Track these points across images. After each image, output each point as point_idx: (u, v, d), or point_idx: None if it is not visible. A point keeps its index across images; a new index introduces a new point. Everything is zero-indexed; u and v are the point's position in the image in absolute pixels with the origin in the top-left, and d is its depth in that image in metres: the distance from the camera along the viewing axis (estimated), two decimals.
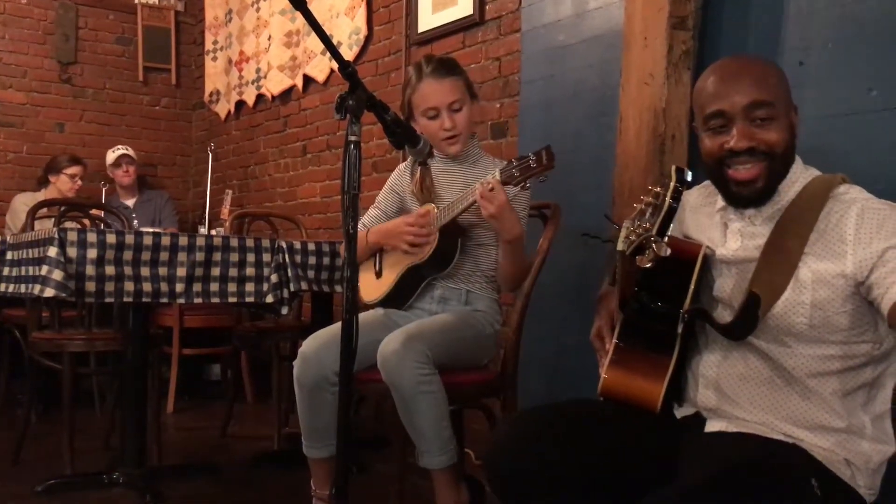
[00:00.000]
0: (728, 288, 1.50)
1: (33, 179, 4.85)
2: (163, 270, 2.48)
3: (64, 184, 4.55)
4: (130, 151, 4.87)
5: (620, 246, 1.38)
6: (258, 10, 4.93)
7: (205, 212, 3.76)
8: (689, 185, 1.35)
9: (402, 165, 2.41)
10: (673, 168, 1.31)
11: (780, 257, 1.39)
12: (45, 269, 2.28)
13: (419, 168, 2.29)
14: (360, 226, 2.39)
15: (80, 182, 4.59)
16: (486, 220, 2.03)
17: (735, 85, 1.43)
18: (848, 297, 1.35)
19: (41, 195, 4.46)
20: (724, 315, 1.49)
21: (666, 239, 1.30)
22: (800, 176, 1.46)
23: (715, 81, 1.46)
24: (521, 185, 1.95)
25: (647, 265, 1.32)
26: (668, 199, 1.29)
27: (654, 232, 1.29)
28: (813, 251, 1.38)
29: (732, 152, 1.42)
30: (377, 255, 2.36)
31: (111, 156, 4.84)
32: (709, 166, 1.49)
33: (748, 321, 1.38)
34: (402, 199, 2.37)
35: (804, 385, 1.40)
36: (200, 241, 2.54)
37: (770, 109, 1.41)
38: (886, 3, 1.92)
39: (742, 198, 1.46)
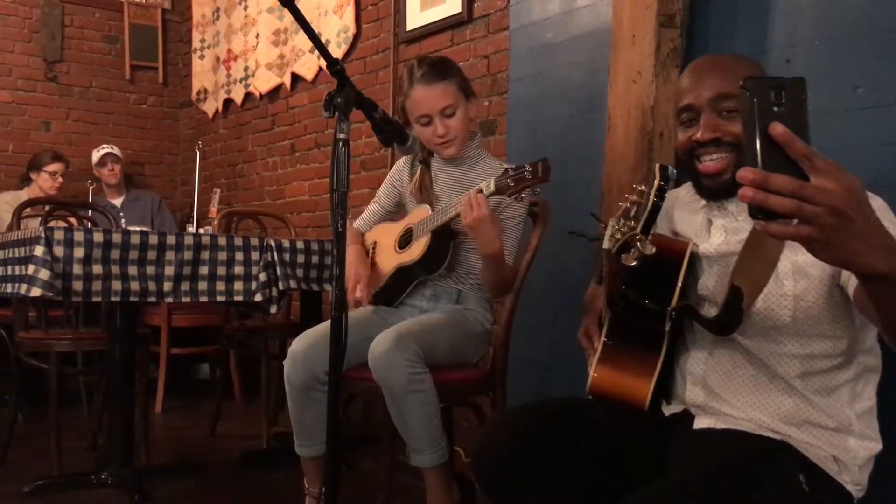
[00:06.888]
0: (711, 284, 1.50)
1: (18, 178, 4.81)
2: (150, 269, 2.47)
3: (45, 181, 4.51)
4: (116, 150, 4.84)
5: (606, 244, 1.39)
6: (246, 7, 4.91)
7: (193, 210, 3.75)
8: (677, 183, 1.35)
9: (401, 161, 2.40)
10: (657, 166, 1.32)
11: (760, 251, 1.40)
12: (31, 269, 2.27)
13: (419, 167, 2.28)
14: (359, 220, 2.40)
15: (60, 179, 4.56)
16: (465, 229, 2.02)
17: (703, 79, 1.45)
18: (827, 288, 1.36)
19: (23, 194, 4.43)
20: (710, 311, 1.49)
21: (650, 237, 1.31)
22: None
23: (687, 77, 1.50)
24: (516, 195, 1.92)
25: (633, 263, 1.33)
26: (652, 196, 1.29)
27: (638, 230, 1.30)
28: (791, 243, 1.39)
29: (699, 144, 1.44)
30: (370, 251, 2.36)
31: (96, 155, 4.82)
32: (681, 160, 1.50)
33: (733, 315, 1.39)
34: (400, 195, 2.37)
35: (788, 383, 1.41)
36: (188, 240, 2.53)
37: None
38: (872, 0, 1.93)
39: (711, 190, 1.48)
